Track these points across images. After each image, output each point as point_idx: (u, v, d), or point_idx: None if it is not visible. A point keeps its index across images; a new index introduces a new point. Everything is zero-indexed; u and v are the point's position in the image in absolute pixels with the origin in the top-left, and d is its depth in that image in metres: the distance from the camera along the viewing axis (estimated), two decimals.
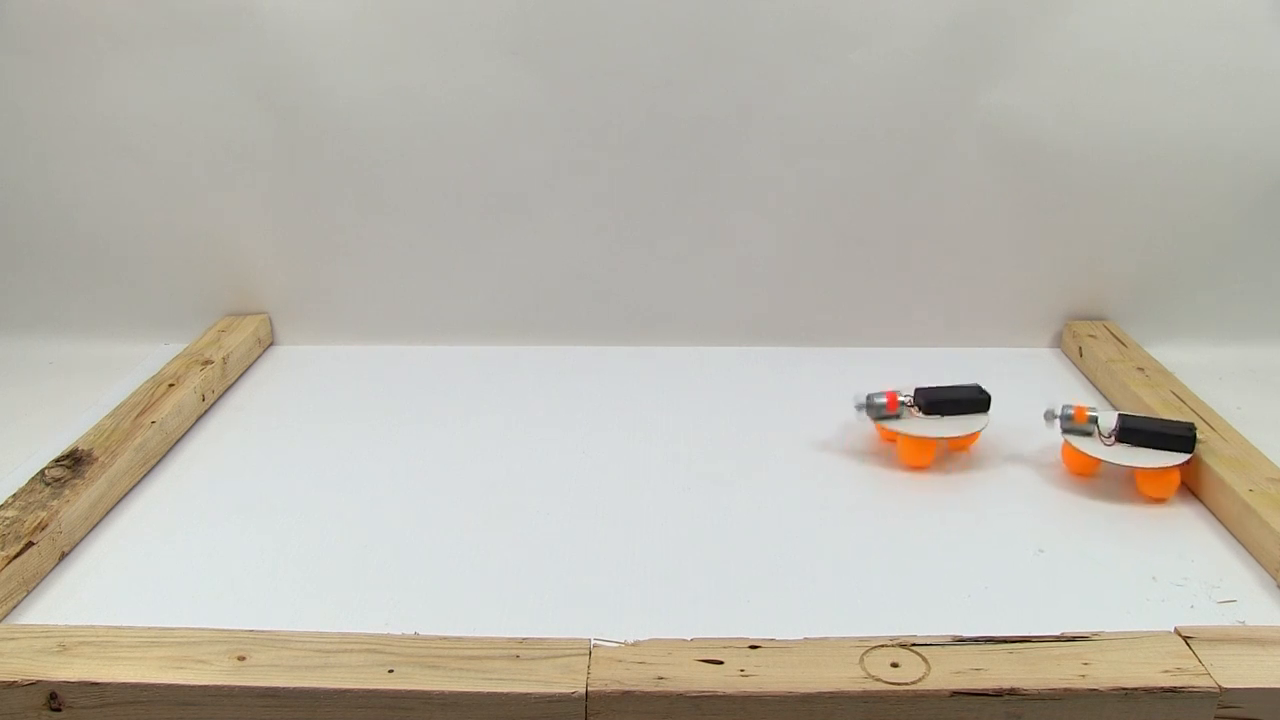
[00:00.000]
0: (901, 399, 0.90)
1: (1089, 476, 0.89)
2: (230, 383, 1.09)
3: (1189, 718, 0.59)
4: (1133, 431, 0.85)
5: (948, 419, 0.89)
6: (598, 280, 1.17)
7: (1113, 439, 0.85)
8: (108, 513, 0.84)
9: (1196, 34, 1.05)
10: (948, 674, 0.59)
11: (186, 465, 0.93)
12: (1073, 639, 0.62)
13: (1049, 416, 0.88)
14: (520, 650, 0.61)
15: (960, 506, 0.85)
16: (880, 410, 0.90)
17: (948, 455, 0.93)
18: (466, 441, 0.96)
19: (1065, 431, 0.87)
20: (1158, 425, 0.85)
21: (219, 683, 0.59)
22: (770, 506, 0.85)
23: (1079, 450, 0.86)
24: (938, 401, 0.89)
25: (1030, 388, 1.08)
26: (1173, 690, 0.58)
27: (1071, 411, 0.87)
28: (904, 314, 1.17)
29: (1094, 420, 0.86)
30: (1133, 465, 0.84)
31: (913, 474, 0.90)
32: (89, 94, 1.10)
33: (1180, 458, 0.84)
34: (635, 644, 0.62)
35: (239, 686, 0.59)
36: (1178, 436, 0.84)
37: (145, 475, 0.91)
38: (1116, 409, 1.02)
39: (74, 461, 0.85)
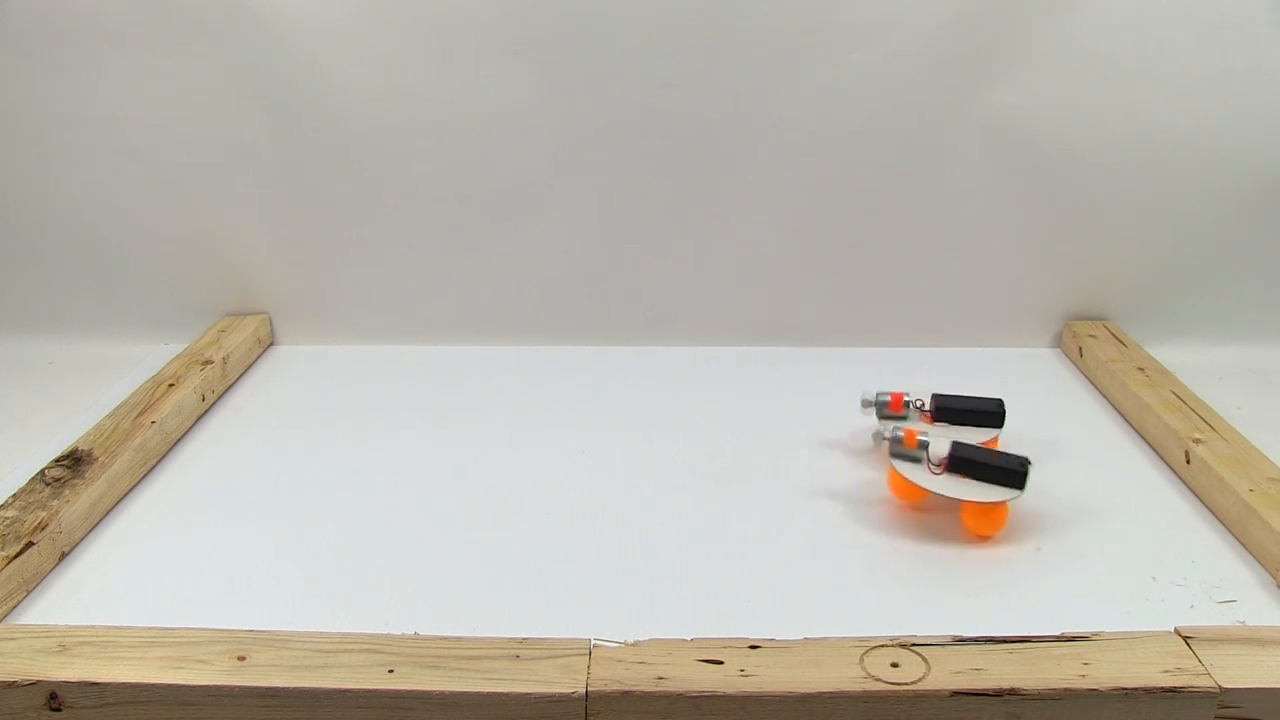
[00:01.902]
0: (908, 399, 0.88)
1: (916, 504, 0.84)
2: (230, 383, 1.09)
3: (1189, 718, 0.59)
4: (964, 461, 0.80)
5: (958, 429, 0.86)
6: (598, 280, 1.17)
7: (941, 468, 0.81)
8: (108, 513, 0.84)
9: (1196, 34, 1.05)
10: (948, 674, 0.59)
11: (186, 465, 0.93)
12: (1073, 639, 0.62)
13: (878, 438, 0.84)
14: (520, 650, 0.61)
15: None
16: (883, 409, 0.87)
17: None
18: (466, 441, 0.96)
19: (893, 456, 0.82)
20: (990, 457, 0.80)
21: (219, 683, 0.59)
22: (771, 506, 0.85)
23: (904, 477, 0.81)
24: (949, 409, 0.87)
25: (1030, 388, 1.08)
26: (1173, 690, 0.58)
27: (901, 435, 0.82)
28: (904, 314, 1.17)
29: (924, 446, 0.82)
30: (959, 498, 0.79)
31: None
32: (89, 94, 1.10)
33: (1010, 494, 0.78)
34: (635, 644, 0.62)
35: (239, 686, 0.59)
36: (1009, 470, 0.79)
37: (145, 475, 0.91)
38: (1116, 408, 1.02)
39: (74, 461, 0.85)
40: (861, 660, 0.60)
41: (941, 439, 0.82)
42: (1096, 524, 0.82)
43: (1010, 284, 1.16)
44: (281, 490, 0.88)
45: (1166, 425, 0.92)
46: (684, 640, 0.62)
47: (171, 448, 0.96)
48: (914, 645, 0.62)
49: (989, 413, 0.87)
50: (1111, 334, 1.13)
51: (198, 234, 1.15)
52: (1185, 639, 0.62)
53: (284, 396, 1.07)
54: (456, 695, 0.58)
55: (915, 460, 0.82)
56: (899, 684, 0.58)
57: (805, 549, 0.79)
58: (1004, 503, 0.79)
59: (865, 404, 0.88)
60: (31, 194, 1.14)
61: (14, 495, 0.80)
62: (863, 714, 0.59)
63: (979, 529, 0.80)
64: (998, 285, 1.16)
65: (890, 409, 0.86)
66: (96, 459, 0.86)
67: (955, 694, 0.58)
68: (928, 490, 0.80)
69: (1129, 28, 1.05)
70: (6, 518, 0.77)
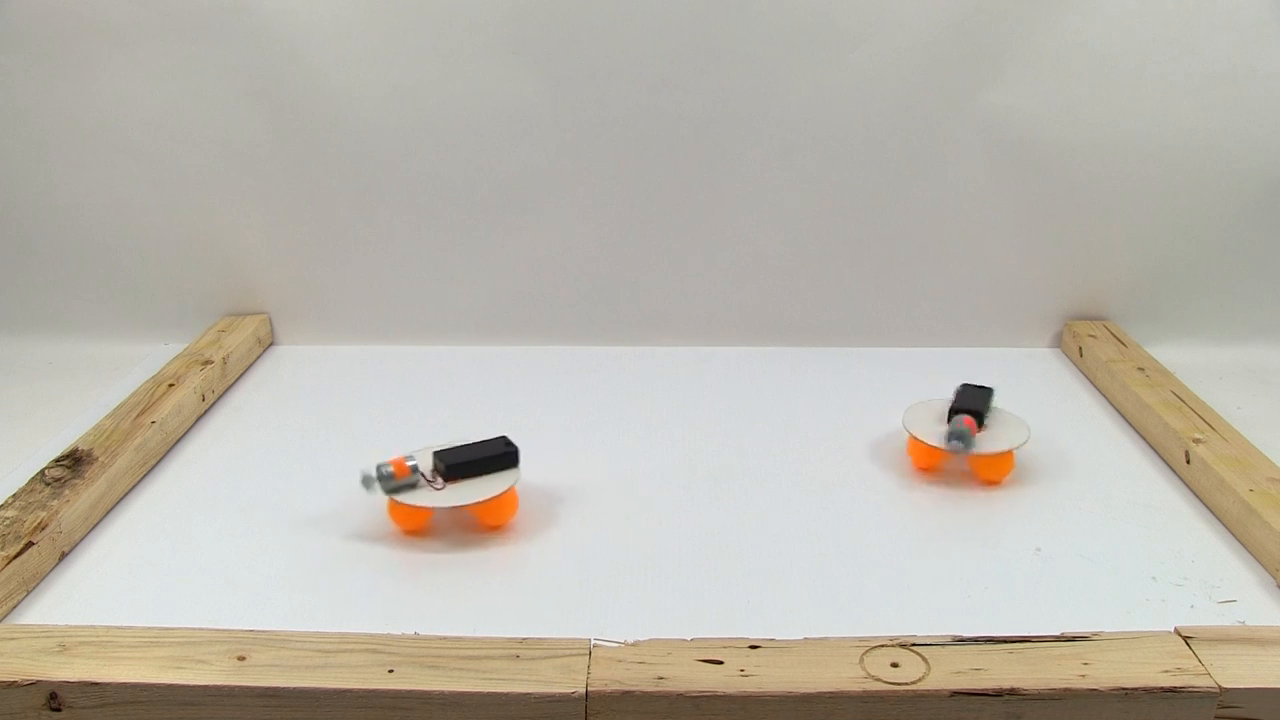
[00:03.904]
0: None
1: (419, 529, 0.80)
2: (230, 383, 1.09)
3: (1189, 718, 0.59)
4: (458, 466, 0.78)
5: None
6: (598, 280, 1.17)
7: (440, 482, 0.79)
8: (108, 513, 0.84)
9: (1196, 34, 1.05)
10: (948, 674, 0.59)
11: (186, 465, 0.93)
12: (1073, 639, 0.62)
13: (368, 483, 0.77)
14: (520, 650, 0.61)
15: (960, 506, 0.85)
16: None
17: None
18: (466, 441, 0.96)
19: (391, 493, 0.77)
20: (477, 451, 0.80)
21: (219, 683, 0.59)
22: (770, 506, 0.85)
23: (410, 506, 0.77)
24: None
25: (1030, 388, 1.08)
26: (1173, 690, 0.58)
27: (390, 469, 0.77)
28: (904, 314, 1.17)
29: (416, 470, 0.78)
30: (466, 503, 0.77)
31: (912, 474, 0.90)
32: (89, 94, 1.10)
33: (512, 476, 0.79)
34: (635, 644, 0.62)
35: (239, 686, 0.59)
36: (500, 455, 0.79)
37: (145, 475, 0.91)
38: (1116, 408, 1.02)
39: (74, 461, 0.85)
40: (861, 660, 0.60)
41: (424, 451, 0.80)
42: (1096, 524, 0.82)
43: (1010, 284, 1.16)
44: (281, 490, 0.88)
45: (1166, 425, 0.92)
46: (684, 640, 0.62)
47: (171, 448, 0.96)
48: (914, 645, 0.61)
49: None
50: (1111, 334, 1.13)
51: (198, 234, 1.15)
52: (1185, 639, 0.62)
53: (284, 396, 1.07)
54: (456, 695, 0.58)
55: (413, 487, 0.78)
56: (899, 684, 0.58)
57: (805, 549, 0.79)
58: (510, 489, 0.79)
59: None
60: (31, 194, 1.14)
61: (14, 495, 0.80)
62: (863, 714, 0.59)
63: (494, 520, 0.80)
64: (998, 285, 1.16)
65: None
66: (96, 459, 0.86)
67: (955, 694, 0.58)
68: (433, 509, 0.78)
69: (1128, 28, 1.05)
70: (6, 518, 0.77)
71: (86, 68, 1.09)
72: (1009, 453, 0.86)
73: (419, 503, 0.77)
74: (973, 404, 0.89)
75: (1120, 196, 1.11)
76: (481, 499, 0.77)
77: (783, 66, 1.07)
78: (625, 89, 1.09)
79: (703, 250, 1.15)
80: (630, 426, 0.99)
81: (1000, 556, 0.78)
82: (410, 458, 0.79)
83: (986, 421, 0.89)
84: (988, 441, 0.86)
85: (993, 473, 0.87)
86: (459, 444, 0.81)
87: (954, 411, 0.88)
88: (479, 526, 0.81)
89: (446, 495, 0.78)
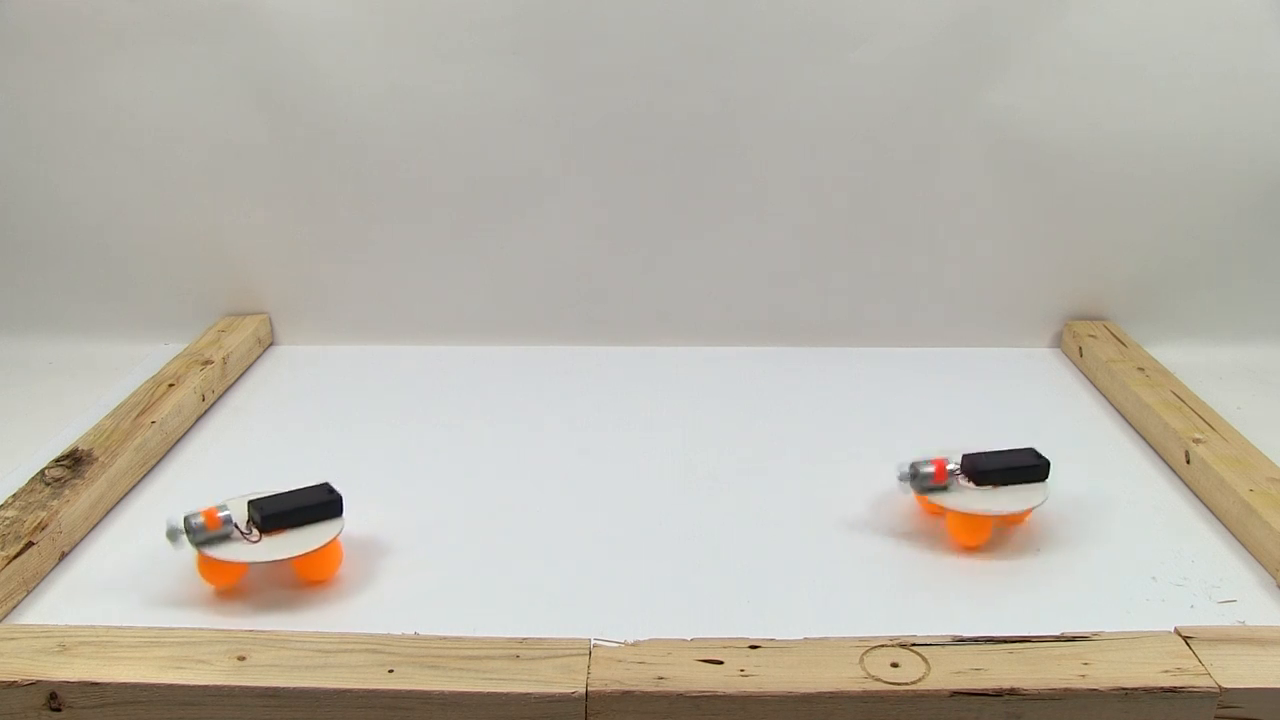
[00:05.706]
0: (950, 468, 0.78)
1: (232, 586, 0.73)
2: (230, 383, 1.09)
3: (1189, 718, 0.59)
4: (276, 516, 0.73)
5: (1002, 490, 0.77)
6: (598, 280, 1.17)
7: (256, 535, 0.73)
8: (108, 513, 0.84)
9: (1196, 34, 1.05)
10: (948, 674, 0.59)
11: (186, 465, 0.93)
12: (1073, 639, 0.62)
13: (174, 535, 0.71)
14: (520, 650, 0.61)
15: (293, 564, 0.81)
16: (926, 481, 0.78)
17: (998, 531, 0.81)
18: (466, 441, 0.96)
19: (201, 545, 0.71)
20: (300, 499, 0.74)
21: (219, 683, 0.59)
22: (770, 506, 0.85)
23: (220, 560, 0.71)
24: (988, 470, 0.78)
25: (1030, 388, 1.08)
26: (1173, 690, 0.58)
27: (201, 519, 0.71)
28: (904, 314, 1.17)
29: (228, 520, 0.72)
30: (287, 556, 0.71)
31: None
32: (89, 93, 1.10)
33: (335, 525, 0.74)
34: (635, 644, 0.62)
35: (239, 686, 0.59)
36: (325, 503, 0.74)
37: (145, 475, 0.91)
38: (1116, 408, 1.02)
39: (74, 461, 0.85)
40: (861, 660, 0.60)
41: (237, 500, 0.74)
42: (1096, 524, 0.82)
43: (1010, 284, 1.16)
44: (281, 490, 0.87)
45: (1166, 425, 0.92)
46: (684, 640, 0.62)
47: (171, 448, 0.96)
48: (914, 645, 0.61)
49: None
50: (1111, 334, 1.13)
51: (198, 234, 1.15)
52: (1185, 639, 0.62)
53: (284, 396, 1.07)
54: (456, 695, 0.58)
55: (226, 539, 0.72)
56: (899, 684, 0.58)
57: (805, 549, 0.79)
58: (335, 540, 0.73)
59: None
60: (31, 194, 1.14)
61: (14, 495, 0.80)
62: (863, 714, 0.59)
63: (315, 575, 0.74)
64: (998, 285, 1.16)
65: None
66: (96, 459, 0.86)
67: (955, 694, 0.58)
68: (249, 564, 0.71)
69: (1129, 28, 1.05)
70: (6, 518, 0.77)
71: (86, 68, 1.08)
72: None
73: (235, 558, 0.71)
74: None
75: (1120, 196, 1.11)
76: (299, 551, 0.71)
77: (783, 66, 1.07)
78: (625, 89, 1.09)
79: (703, 250, 1.15)
80: (630, 426, 0.99)
81: (1000, 556, 0.78)
82: (223, 507, 0.72)
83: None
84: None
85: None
86: (277, 492, 0.75)
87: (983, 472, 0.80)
88: (299, 581, 0.74)
89: (265, 548, 0.71)
